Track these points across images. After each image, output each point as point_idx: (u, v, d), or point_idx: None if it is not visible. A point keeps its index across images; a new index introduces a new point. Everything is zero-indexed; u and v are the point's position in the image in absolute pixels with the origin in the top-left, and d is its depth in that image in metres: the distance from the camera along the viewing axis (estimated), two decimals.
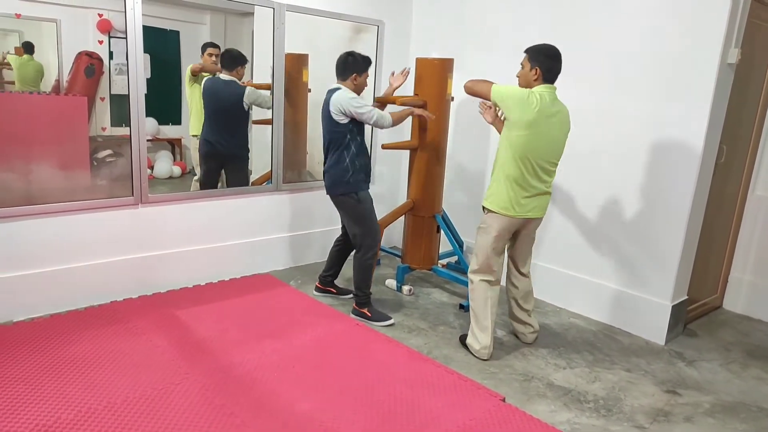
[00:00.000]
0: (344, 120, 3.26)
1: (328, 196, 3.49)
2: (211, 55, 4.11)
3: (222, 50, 4.13)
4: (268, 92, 4.11)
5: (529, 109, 2.81)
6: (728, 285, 4.13)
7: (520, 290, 3.28)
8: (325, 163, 3.44)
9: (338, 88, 3.31)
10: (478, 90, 3.02)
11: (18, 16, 3.57)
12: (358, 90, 3.38)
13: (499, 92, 2.90)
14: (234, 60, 4.04)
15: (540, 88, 2.88)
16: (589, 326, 3.68)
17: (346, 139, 3.32)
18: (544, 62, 2.87)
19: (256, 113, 4.23)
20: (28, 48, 3.69)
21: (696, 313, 3.87)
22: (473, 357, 3.11)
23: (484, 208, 3.08)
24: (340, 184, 3.37)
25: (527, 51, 2.95)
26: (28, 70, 3.73)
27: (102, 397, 2.45)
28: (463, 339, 3.25)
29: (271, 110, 4.11)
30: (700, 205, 3.40)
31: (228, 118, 4.09)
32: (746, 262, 4.03)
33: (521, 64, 2.97)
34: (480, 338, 3.09)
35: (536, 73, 2.88)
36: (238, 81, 4.03)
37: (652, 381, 3.01)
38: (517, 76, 3.00)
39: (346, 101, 3.23)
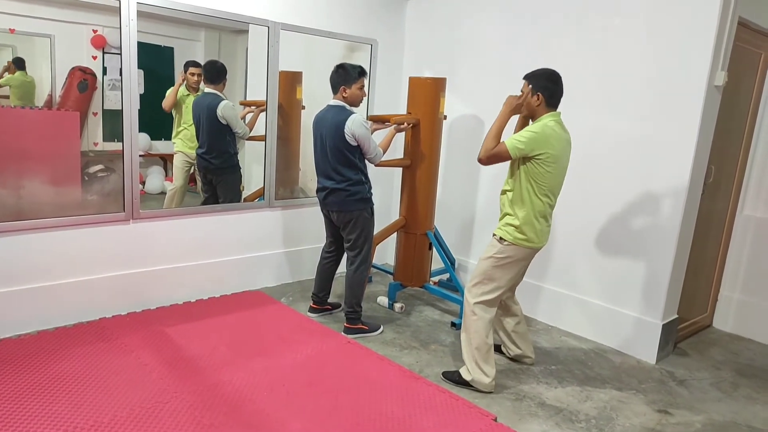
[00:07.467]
0: (355, 142, 3.31)
1: (332, 212, 3.47)
2: (193, 74, 4.09)
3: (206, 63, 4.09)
4: (242, 122, 4.10)
5: (553, 144, 2.69)
6: (718, 304, 4.15)
7: (519, 316, 3.21)
8: (329, 180, 3.39)
9: (342, 107, 3.32)
10: (495, 154, 2.76)
11: (12, 31, 3.58)
12: (351, 102, 3.36)
13: (518, 144, 2.69)
14: (219, 72, 4.02)
15: (548, 119, 2.75)
16: (580, 345, 3.68)
17: (357, 157, 3.36)
18: (547, 87, 2.76)
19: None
20: (19, 64, 3.67)
21: (686, 332, 3.89)
22: None
23: (501, 239, 2.86)
24: (361, 200, 3.41)
25: (527, 77, 2.82)
26: (28, 88, 3.73)
27: (89, 416, 2.41)
28: (448, 376, 3.07)
29: (238, 134, 4.10)
30: (690, 224, 3.43)
31: (208, 131, 4.03)
32: (735, 280, 4.06)
33: (521, 91, 2.84)
34: (487, 370, 2.92)
35: (539, 99, 2.77)
36: (219, 93, 3.99)
37: (643, 400, 3.01)
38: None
39: (362, 133, 3.27)
